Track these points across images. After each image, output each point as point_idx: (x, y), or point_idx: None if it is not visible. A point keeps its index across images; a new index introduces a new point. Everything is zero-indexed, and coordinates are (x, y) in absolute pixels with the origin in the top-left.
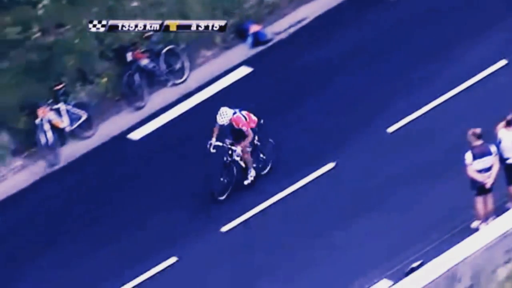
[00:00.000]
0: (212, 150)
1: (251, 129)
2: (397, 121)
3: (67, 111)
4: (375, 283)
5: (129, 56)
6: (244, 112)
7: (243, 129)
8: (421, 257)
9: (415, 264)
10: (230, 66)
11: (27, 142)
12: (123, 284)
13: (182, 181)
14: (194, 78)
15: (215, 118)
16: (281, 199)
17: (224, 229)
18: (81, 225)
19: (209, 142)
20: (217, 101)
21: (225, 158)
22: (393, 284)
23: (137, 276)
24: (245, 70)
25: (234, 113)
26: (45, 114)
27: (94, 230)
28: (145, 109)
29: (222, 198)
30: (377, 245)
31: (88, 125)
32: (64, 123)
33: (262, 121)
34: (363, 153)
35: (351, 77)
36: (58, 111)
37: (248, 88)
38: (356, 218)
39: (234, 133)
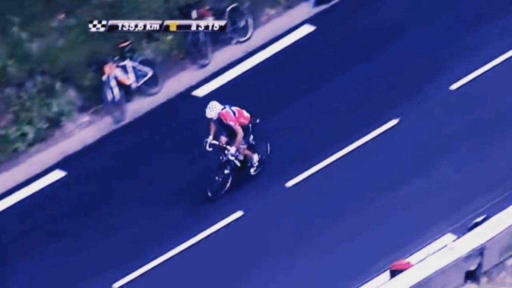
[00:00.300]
0: (208, 149)
1: (244, 126)
2: (460, 79)
3: (133, 68)
4: (439, 237)
5: (194, 14)
6: (234, 108)
7: (230, 124)
8: (484, 212)
9: (478, 219)
10: (293, 24)
11: (93, 99)
12: (190, 238)
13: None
14: (258, 36)
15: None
16: (344, 155)
17: (289, 184)
18: (149, 180)
19: (205, 140)
20: (280, 59)
21: (220, 157)
22: (456, 238)
23: (203, 230)
24: (308, 29)
25: (223, 108)
26: (111, 71)
27: (162, 183)
28: (209, 66)
29: (216, 197)
30: (441, 200)
31: (153, 82)
32: (130, 79)
33: (258, 120)
34: (426, 110)
35: (414, 35)
36: (124, 68)
37: (311, 46)
38: (419, 174)
39: (226, 130)
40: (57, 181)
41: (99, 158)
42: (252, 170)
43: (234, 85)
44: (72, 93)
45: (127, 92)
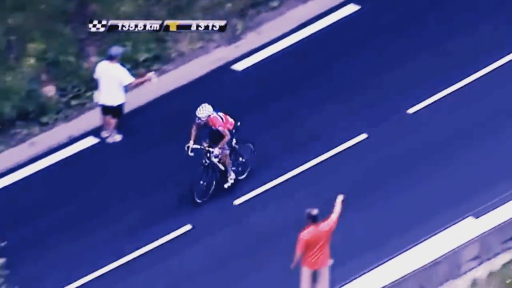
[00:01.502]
0: (190, 154)
1: (228, 131)
2: None
3: None
4: None
5: None
6: (220, 114)
7: (219, 129)
8: None
9: None
10: None
11: None
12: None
13: None
14: None
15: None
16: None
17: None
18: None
19: (186, 145)
20: None
21: (203, 161)
22: None
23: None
24: None
25: (212, 113)
26: None
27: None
28: None
29: (203, 200)
30: None
31: None
32: None
33: (239, 123)
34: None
35: None
36: None
37: None
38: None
39: (211, 135)
40: (353, 13)
41: None
42: (226, 185)
43: None
44: None
45: None
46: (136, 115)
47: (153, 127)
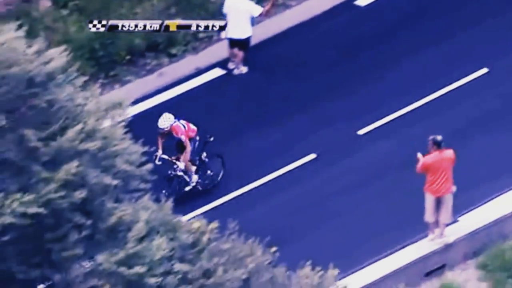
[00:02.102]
0: (158, 162)
1: (191, 138)
2: None
3: None
4: None
5: None
6: (182, 121)
7: (181, 138)
8: None
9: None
10: None
11: None
12: None
13: None
14: None
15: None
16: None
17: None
18: None
19: (154, 154)
20: None
21: (169, 172)
22: None
23: None
24: None
25: (174, 121)
26: None
27: None
28: None
29: None
30: None
31: None
32: None
33: (212, 138)
34: None
35: None
36: None
37: None
38: None
39: (177, 145)
40: None
41: None
42: (187, 188)
43: None
44: None
45: None
46: (262, 48)
47: (278, 60)
